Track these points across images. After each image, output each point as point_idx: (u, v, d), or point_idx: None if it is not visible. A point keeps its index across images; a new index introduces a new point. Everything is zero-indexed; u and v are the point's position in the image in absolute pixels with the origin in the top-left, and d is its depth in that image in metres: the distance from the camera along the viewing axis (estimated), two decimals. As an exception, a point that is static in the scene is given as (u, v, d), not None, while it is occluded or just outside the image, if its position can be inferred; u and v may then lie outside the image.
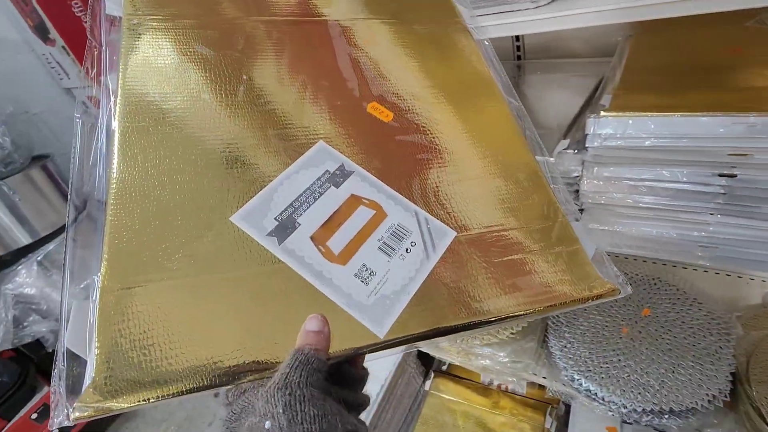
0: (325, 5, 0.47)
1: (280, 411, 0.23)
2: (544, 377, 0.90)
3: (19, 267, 1.12)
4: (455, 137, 0.42)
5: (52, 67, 1.42)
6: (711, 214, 0.55)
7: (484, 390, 1.05)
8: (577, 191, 0.63)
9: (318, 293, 0.30)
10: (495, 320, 0.33)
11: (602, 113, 0.56)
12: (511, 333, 0.91)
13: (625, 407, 0.78)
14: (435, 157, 0.40)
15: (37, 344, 1.21)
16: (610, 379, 0.79)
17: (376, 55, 0.45)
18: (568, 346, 0.86)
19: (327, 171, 0.36)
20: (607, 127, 0.55)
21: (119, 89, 0.40)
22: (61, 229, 1.19)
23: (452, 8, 0.51)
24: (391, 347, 0.30)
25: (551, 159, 0.60)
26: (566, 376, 0.84)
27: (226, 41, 0.42)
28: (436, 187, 0.39)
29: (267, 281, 0.31)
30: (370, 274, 0.32)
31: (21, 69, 1.40)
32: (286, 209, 0.33)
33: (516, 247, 0.37)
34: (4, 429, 1.20)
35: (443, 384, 1.10)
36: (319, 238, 0.33)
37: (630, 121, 0.54)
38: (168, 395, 0.26)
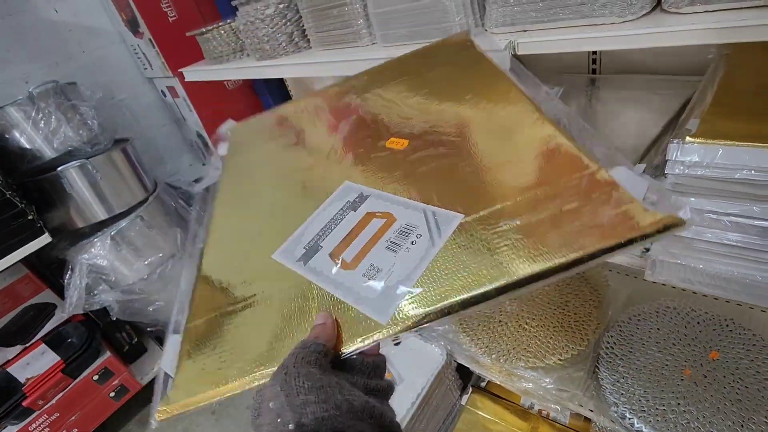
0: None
1: (278, 389, 0.26)
2: (591, 410, 0.85)
3: (95, 239, 1.22)
4: (467, 135, 0.44)
5: (138, 58, 1.54)
6: (808, 259, 0.50)
7: (523, 413, 1.01)
8: (650, 219, 0.59)
9: (333, 298, 0.35)
10: (511, 284, 0.30)
11: (688, 138, 0.51)
12: (559, 359, 0.87)
13: (678, 451, 0.72)
14: (448, 160, 0.42)
15: (104, 312, 1.31)
16: (666, 424, 0.73)
17: (392, 106, 0.55)
18: (621, 380, 0.81)
19: (348, 201, 0.43)
20: (692, 155, 0.51)
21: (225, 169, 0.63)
22: (134, 208, 1.29)
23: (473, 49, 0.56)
24: (398, 332, 0.32)
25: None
26: (616, 412, 0.79)
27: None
28: (449, 184, 0.40)
29: (292, 295, 0.37)
30: (376, 271, 0.35)
31: (112, 58, 1.53)
32: (312, 238, 0.40)
33: (535, 211, 0.34)
34: (69, 386, 1.32)
35: (480, 401, 1.07)
36: (335, 254, 0.38)
37: (720, 150, 0.49)
38: (223, 396, 0.35)
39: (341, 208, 0.42)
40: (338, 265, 0.37)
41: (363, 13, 0.76)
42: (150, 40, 1.39)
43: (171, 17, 1.41)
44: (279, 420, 0.25)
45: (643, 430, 0.74)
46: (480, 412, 1.05)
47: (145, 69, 1.55)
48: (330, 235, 0.40)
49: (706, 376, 0.77)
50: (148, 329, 1.46)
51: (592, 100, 0.83)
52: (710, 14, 0.46)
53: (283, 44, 0.94)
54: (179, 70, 1.28)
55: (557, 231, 0.32)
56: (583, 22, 0.52)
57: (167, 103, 1.65)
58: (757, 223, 0.51)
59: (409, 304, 0.32)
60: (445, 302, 0.31)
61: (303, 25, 0.91)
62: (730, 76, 0.61)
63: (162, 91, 1.61)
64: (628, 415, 0.77)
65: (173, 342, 0.40)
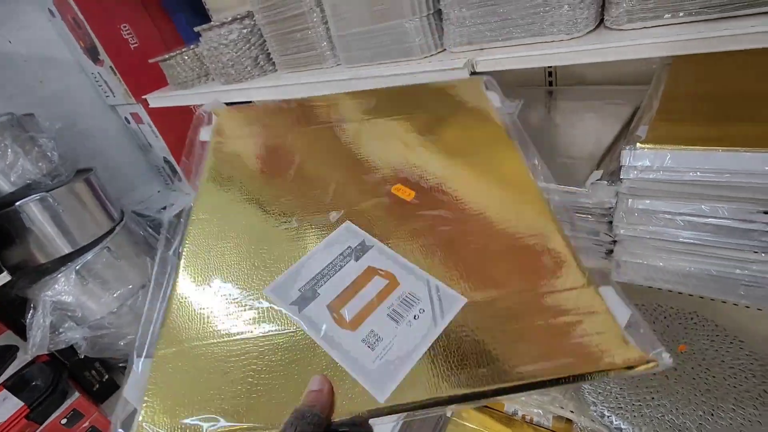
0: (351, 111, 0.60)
1: None
2: (572, 411, 0.87)
3: (59, 275, 1.17)
4: (474, 207, 0.44)
5: (99, 86, 1.51)
6: (755, 252, 0.53)
7: (508, 420, 1.02)
8: (611, 222, 0.62)
9: (328, 357, 0.33)
10: (499, 390, 0.31)
11: (638, 145, 0.54)
12: (538, 363, 0.88)
13: (655, 446, 0.74)
14: (453, 228, 0.42)
15: (71, 350, 1.25)
16: (642, 418, 0.76)
17: (400, 145, 0.53)
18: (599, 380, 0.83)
19: (349, 247, 0.41)
20: (643, 160, 0.54)
21: (200, 190, 0.52)
22: (100, 239, 1.25)
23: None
24: (392, 413, 0.31)
25: (583, 190, 0.59)
26: (595, 411, 0.81)
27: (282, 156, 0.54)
28: (453, 256, 0.40)
29: (286, 345, 0.35)
30: (377, 339, 0.34)
31: (72, 87, 1.49)
32: (309, 281, 0.38)
33: (531, 314, 0.35)
34: (36, 432, 1.24)
35: (466, 411, 1.07)
36: (334, 306, 0.36)
37: (668, 155, 0.52)
38: None
39: (341, 254, 0.40)
40: (335, 321, 0.35)
41: (326, 36, 0.78)
42: (111, 67, 1.37)
43: (132, 44, 1.39)
44: None
45: (622, 426, 0.76)
46: (466, 423, 1.05)
47: (107, 96, 1.52)
48: (328, 283, 0.38)
49: (676, 369, 0.80)
50: (120, 365, 1.40)
51: (551, 112, 0.87)
52: (648, 30, 0.49)
53: (249, 68, 0.95)
54: (143, 97, 1.26)
55: (537, 348, 0.33)
56: (534, 39, 0.55)
57: (131, 130, 1.61)
58: (707, 220, 0.54)
59: (409, 386, 0.31)
60: (444, 393, 0.31)
61: (267, 49, 0.91)
62: (672, 84, 0.65)
63: (125, 118, 1.58)
64: (606, 413, 0.79)
65: (140, 368, 0.35)
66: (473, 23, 0.59)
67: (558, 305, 0.35)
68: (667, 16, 0.47)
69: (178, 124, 1.54)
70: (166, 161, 1.61)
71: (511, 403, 1.00)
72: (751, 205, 0.51)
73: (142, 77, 1.36)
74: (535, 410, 0.92)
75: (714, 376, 0.78)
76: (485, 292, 0.37)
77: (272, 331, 0.36)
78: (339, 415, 0.31)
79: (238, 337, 0.36)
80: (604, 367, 0.31)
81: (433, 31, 0.65)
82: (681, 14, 0.46)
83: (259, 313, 0.37)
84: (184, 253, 0.44)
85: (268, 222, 0.45)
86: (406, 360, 0.32)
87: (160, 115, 1.47)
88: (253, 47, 0.93)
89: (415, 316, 0.35)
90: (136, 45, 1.40)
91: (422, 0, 0.62)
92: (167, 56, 1.07)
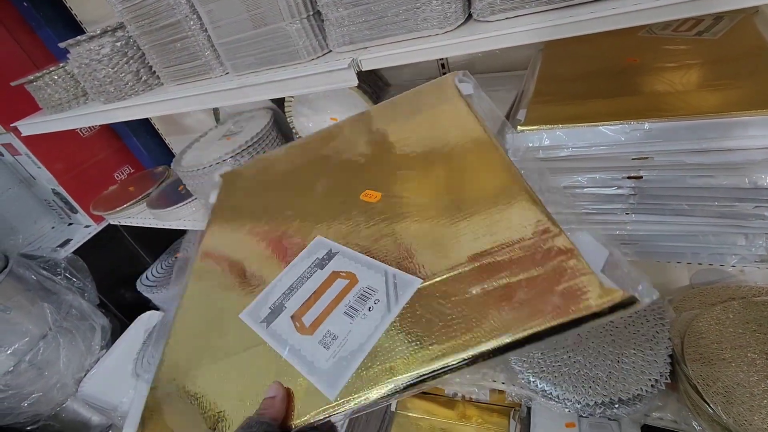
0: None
1: None
2: (503, 383, 0.92)
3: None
4: (436, 192, 0.44)
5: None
6: (627, 213, 0.59)
7: (450, 402, 1.06)
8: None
9: (288, 365, 0.34)
10: (461, 362, 0.30)
11: (519, 128, 0.58)
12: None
13: (579, 402, 0.81)
14: (417, 218, 0.42)
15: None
16: (562, 377, 0.82)
17: (369, 149, 0.54)
18: (521, 349, 0.88)
19: (317, 258, 0.41)
20: (524, 141, 0.58)
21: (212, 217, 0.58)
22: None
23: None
24: (346, 409, 0.31)
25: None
26: (523, 378, 0.86)
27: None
28: (414, 243, 0.39)
29: (254, 360, 0.37)
30: (332, 338, 0.34)
31: None
32: (278, 298, 0.39)
33: (495, 275, 0.33)
34: None
35: (409, 402, 1.09)
36: (297, 316, 0.37)
37: (544, 134, 0.57)
38: None
39: (310, 266, 0.41)
40: (296, 329, 0.36)
41: (209, 45, 0.74)
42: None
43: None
44: None
45: (546, 388, 0.82)
46: (411, 413, 1.07)
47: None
48: (295, 295, 0.39)
49: (586, 327, 0.88)
50: (29, 428, 1.24)
51: (449, 101, 0.90)
52: (510, 20, 0.52)
53: (130, 83, 0.87)
54: (12, 125, 1.11)
55: (508, 306, 0.31)
56: (411, 35, 0.56)
57: (7, 164, 1.42)
58: (585, 191, 0.60)
59: (358, 379, 0.31)
60: (396, 379, 0.30)
61: (149, 62, 0.85)
62: (545, 69, 0.71)
63: (-1, 149, 1.39)
64: (531, 379, 0.84)
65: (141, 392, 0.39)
66: (352, 22, 0.59)
67: (528, 258, 0.33)
68: (523, 6, 0.51)
69: (65, 149, 1.39)
70: (56, 193, 1.44)
71: (450, 387, 1.03)
72: (617, 173, 0.56)
73: (11, 103, 1.20)
74: (472, 388, 0.96)
75: (617, 326, 0.86)
76: (447, 269, 0.35)
77: (247, 348, 0.38)
78: (298, 418, 0.32)
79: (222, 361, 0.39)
80: (581, 314, 0.29)
81: (317, 32, 0.64)
82: (534, 4, 0.50)
83: (238, 333, 0.39)
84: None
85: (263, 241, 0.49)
86: (358, 353, 0.32)
87: (39, 144, 1.31)
88: (131, 61, 0.86)
89: (369, 308, 0.35)
90: (-4, 67, 1.23)
91: (299, 2, 0.61)
92: (32, 77, 0.95)
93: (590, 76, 0.65)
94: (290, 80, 0.65)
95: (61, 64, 0.95)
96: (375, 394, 0.30)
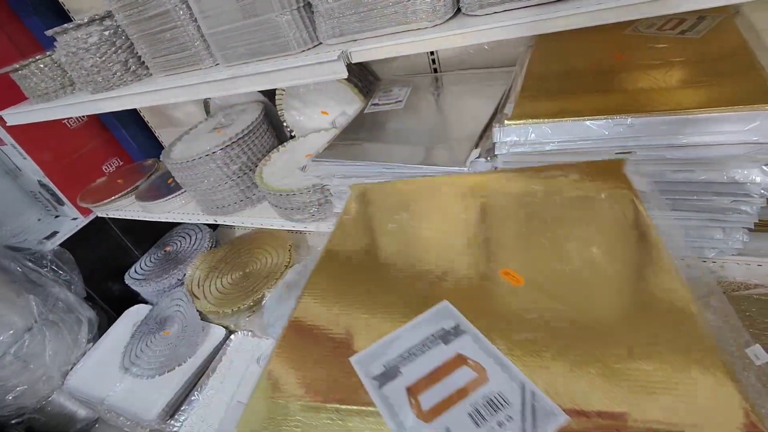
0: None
1: None
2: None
3: None
4: (597, 305, 0.37)
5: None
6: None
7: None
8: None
9: None
10: None
11: (506, 122, 0.59)
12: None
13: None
14: (566, 326, 0.36)
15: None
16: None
17: (517, 225, 0.47)
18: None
19: (442, 329, 0.38)
20: (511, 135, 0.59)
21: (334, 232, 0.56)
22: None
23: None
24: None
25: (465, 168, 0.63)
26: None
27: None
28: (560, 360, 0.34)
29: (360, 423, 0.33)
30: None
31: None
32: (395, 359, 0.36)
33: None
34: None
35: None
36: (414, 390, 0.34)
37: (531, 129, 0.57)
38: None
39: (432, 334, 0.37)
40: (411, 407, 0.32)
41: (198, 35, 0.73)
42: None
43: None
44: None
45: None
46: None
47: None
48: (413, 363, 0.35)
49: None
50: (13, 421, 1.23)
51: (439, 97, 0.90)
52: (499, 15, 0.53)
53: (119, 74, 0.87)
54: (-3, 114, 1.09)
55: None
56: (400, 28, 0.57)
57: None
58: (570, 184, 0.60)
59: None
60: None
61: (137, 52, 0.84)
62: (533, 65, 0.72)
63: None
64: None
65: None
66: (342, 14, 0.59)
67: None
68: (511, 1, 0.51)
69: (52, 140, 1.37)
70: (42, 185, 1.42)
71: None
72: (601, 167, 0.57)
73: (-5, 92, 1.18)
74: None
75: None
76: (592, 413, 0.30)
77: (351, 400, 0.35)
78: None
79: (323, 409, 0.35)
80: None
81: (307, 24, 0.65)
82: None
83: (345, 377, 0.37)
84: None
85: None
86: None
87: (25, 134, 1.29)
88: (120, 50, 0.85)
89: (499, 423, 0.30)
90: (-20, 55, 1.20)
91: (289, -7, 0.61)
92: (18, 66, 0.94)
93: (577, 73, 0.66)
94: (281, 71, 0.65)
95: (48, 53, 0.94)
96: None
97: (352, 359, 0.37)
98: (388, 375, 0.35)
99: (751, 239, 0.58)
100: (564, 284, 0.39)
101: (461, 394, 0.33)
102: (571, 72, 0.66)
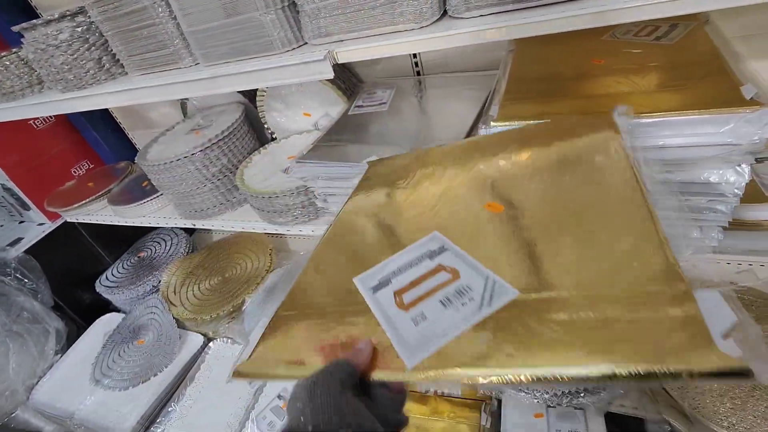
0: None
1: (306, 396, 0.32)
2: (474, 376, 0.93)
3: None
4: (564, 214, 0.44)
5: None
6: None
7: (422, 398, 1.06)
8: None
9: (381, 329, 0.39)
10: (533, 380, 0.31)
11: (492, 123, 0.59)
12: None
13: (547, 393, 0.83)
14: (534, 234, 0.43)
15: None
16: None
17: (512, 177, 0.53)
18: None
19: (429, 250, 0.46)
20: (497, 136, 0.59)
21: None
22: None
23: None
24: (419, 380, 0.34)
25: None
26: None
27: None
28: (523, 258, 0.41)
29: (355, 318, 0.42)
30: (422, 318, 0.38)
31: None
32: (388, 274, 0.45)
33: (592, 308, 0.33)
34: None
35: (382, 399, 1.09)
36: (399, 292, 0.42)
37: (515, 130, 0.58)
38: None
39: (421, 254, 0.45)
40: (396, 304, 0.41)
41: (178, 33, 0.72)
42: None
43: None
44: (302, 419, 0.31)
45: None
46: (383, 410, 1.07)
47: None
48: (402, 276, 0.44)
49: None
50: (-26, 440, 1.15)
51: (422, 99, 0.91)
52: (485, 17, 0.54)
53: (92, 72, 0.83)
54: (-44, 114, 1.03)
55: (602, 334, 0.31)
56: (386, 29, 0.57)
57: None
58: (554, 185, 0.61)
59: (437, 359, 0.34)
60: (464, 370, 0.32)
61: (112, 49, 0.81)
62: (516, 67, 0.73)
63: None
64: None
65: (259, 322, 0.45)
66: (328, 14, 0.59)
67: (640, 302, 0.32)
68: (496, 4, 0.52)
69: (17, 144, 1.31)
70: (6, 188, 1.35)
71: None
72: (584, 168, 0.58)
73: (-45, 90, 1.11)
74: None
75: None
76: (548, 289, 0.36)
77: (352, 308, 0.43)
78: (376, 374, 0.36)
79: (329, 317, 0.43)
80: (686, 367, 0.27)
81: (292, 24, 0.64)
82: (507, 3, 0.51)
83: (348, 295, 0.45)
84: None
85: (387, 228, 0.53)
86: (440, 337, 0.35)
87: (-13, 135, 1.23)
88: (93, 48, 0.82)
89: (463, 303, 0.38)
90: (-62, 51, 1.14)
91: (274, -9, 0.60)
92: (-20, 63, 0.89)
93: (558, 76, 0.67)
94: (264, 71, 0.64)
95: (14, 50, 0.89)
96: (444, 376, 0.33)
97: (355, 279, 0.46)
98: (381, 285, 0.44)
99: (725, 237, 0.60)
100: (539, 202, 0.47)
101: (436, 289, 0.41)
102: (552, 75, 0.68)
